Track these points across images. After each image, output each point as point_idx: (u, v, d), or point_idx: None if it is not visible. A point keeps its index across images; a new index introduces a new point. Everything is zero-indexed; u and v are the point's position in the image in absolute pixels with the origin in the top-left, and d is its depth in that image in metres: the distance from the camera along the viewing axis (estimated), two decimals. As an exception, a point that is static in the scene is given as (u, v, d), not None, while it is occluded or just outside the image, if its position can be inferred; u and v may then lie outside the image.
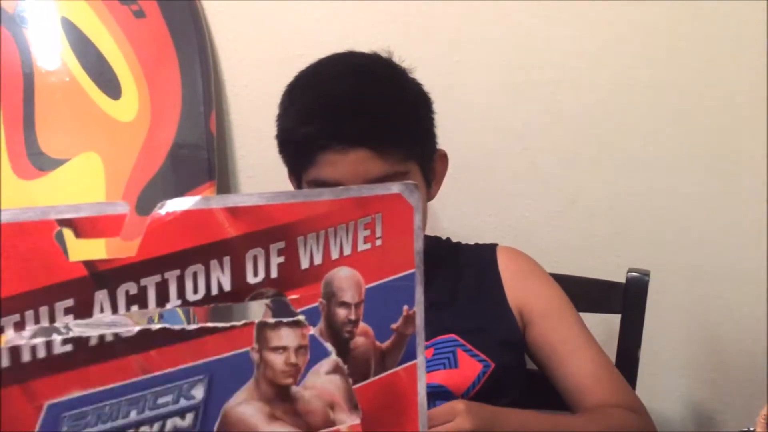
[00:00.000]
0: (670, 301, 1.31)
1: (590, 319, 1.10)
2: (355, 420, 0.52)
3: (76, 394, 0.45)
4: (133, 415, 0.46)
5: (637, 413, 0.96)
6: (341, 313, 0.52)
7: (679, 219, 1.30)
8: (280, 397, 0.50)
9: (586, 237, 1.33)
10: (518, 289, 1.06)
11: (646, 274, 1.11)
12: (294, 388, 0.51)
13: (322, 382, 0.51)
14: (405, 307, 0.55)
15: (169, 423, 0.48)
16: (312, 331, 0.50)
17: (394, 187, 0.53)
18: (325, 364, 0.51)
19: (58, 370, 0.44)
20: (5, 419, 0.43)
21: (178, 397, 0.47)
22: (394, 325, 0.55)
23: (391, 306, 0.54)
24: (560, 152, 1.32)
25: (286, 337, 0.50)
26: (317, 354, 0.51)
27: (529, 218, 1.34)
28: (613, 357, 1.11)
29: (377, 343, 0.54)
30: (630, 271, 1.12)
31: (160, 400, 0.47)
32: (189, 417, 0.48)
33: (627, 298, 1.12)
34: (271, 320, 0.49)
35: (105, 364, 0.45)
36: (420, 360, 0.56)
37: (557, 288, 1.06)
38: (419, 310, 0.56)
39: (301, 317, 0.50)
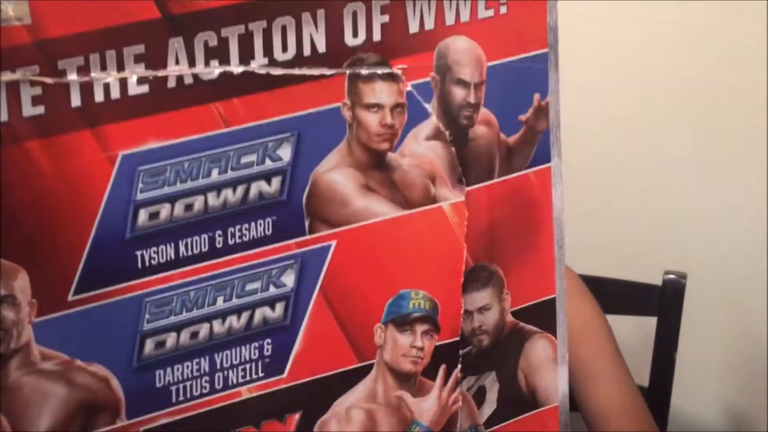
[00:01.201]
0: (707, 303, 1.27)
1: (626, 321, 1.08)
2: (459, 196, 0.44)
3: (153, 144, 0.39)
4: (215, 175, 0.41)
5: None
6: (458, 93, 0.44)
7: (717, 221, 1.28)
8: (375, 165, 0.43)
9: (621, 238, 1.32)
10: None
11: (683, 276, 1.08)
12: (390, 155, 0.43)
13: (421, 150, 0.44)
14: (536, 96, 0.46)
15: (254, 187, 0.41)
16: (409, 87, 0.43)
17: (522, -58, 0.45)
18: (425, 128, 0.44)
19: (133, 115, 0.39)
20: (76, 169, 0.39)
21: (263, 156, 0.41)
22: (522, 117, 0.46)
23: (519, 92, 0.46)
24: (595, 152, 1.29)
25: (381, 92, 0.42)
26: (416, 115, 0.43)
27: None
28: (649, 360, 1.10)
29: (502, 136, 0.46)
30: (667, 273, 1.08)
31: (244, 159, 0.41)
32: (275, 181, 0.42)
33: (663, 301, 1.09)
34: (365, 71, 0.42)
35: (183, 110, 0.40)
36: (555, 164, 0.48)
37: (595, 306, 0.98)
38: (554, 101, 0.47)
39: (398, 69, 0.42)
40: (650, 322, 1.11)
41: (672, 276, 1.08)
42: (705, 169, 1.28)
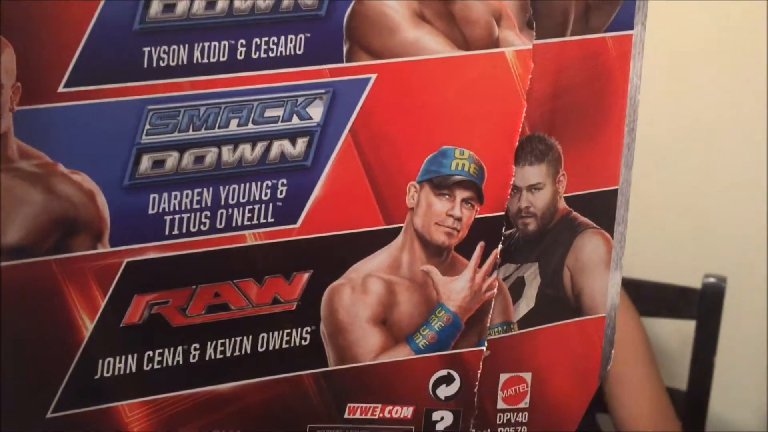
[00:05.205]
0: (747, 307, 1.24)
1: (665, 324, 1.07)
2: (526, 44, 0.38)
3: None
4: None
5: None
6: None
7: (758, 224, 1.25)
8: None
9: (661, 241, 1.28)
10: None
11: (723, 280, 1.08)
12: None
13: None
14: None
15: None
16: None
17: None
18: None
19: None
20: None
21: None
22: None
23: None
24: (635, 154, 1.20)
25: None
26: None
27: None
28: (687, 363, 1.10)
29: None
30: (706, 276, 1.09)
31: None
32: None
33: (703, 304, 1.09)
34: None
35: None
36: (638, 33, 0.41)
37: (632, 311, 0.97)
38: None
39: None
40: (689, 326, 1.11)
41: (712, 279, 1.09)
42: (747, 172, 1.26)
